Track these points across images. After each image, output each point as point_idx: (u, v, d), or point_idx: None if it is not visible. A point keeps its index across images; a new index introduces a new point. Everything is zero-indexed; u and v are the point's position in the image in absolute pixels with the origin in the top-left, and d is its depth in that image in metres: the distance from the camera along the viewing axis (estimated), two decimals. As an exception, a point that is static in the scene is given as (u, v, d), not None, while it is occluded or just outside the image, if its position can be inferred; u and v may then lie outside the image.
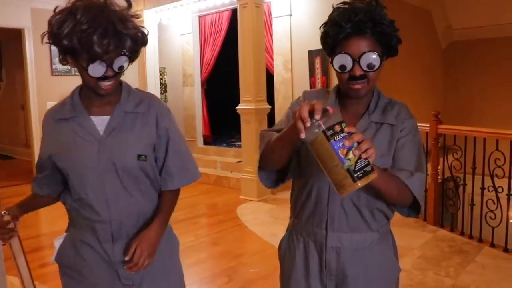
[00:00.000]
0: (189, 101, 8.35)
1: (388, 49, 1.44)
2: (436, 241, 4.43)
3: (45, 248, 4.46)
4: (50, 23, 1.45)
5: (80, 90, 1.62)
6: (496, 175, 4.24)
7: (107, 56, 1.41)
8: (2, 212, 1.59)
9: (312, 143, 1.17)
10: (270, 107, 6.22)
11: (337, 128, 1.14)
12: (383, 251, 1.57)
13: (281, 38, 6.69)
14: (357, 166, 1.14)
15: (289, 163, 1.55)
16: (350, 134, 1.15)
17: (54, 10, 1.45)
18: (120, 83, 1.61)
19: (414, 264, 3.83)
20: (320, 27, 1.49)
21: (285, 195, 5.58)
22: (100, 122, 1.56)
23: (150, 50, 7.64)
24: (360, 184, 1.14)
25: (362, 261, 1.52)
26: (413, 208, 1.55)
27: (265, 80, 6.19)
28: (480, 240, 4.34)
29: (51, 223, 5.10)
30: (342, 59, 1.38)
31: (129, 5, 1.52)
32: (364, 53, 1.36)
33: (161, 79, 8.10)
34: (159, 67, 8.07)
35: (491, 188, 4.27)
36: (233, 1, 6.45)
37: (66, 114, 1.58)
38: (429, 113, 5.02)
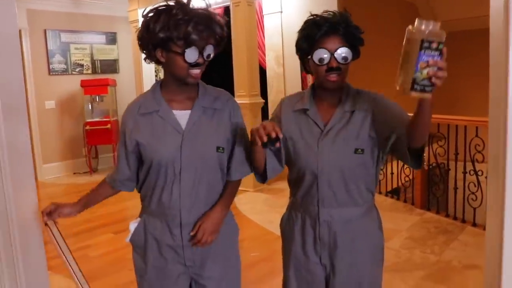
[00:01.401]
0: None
1: (354, 49, 1.73)
2: (423, 223, 4.73)
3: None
4: (144, 22, 1.65)
5: (161, 86, 1.78)
6: (477, 160, 4.55)
7: (201, 43, 1.61)
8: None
9: (410, 39, 1.28)
10: (263, 101, 6.47)
11: (434, 45, 1.26)
12: (368, 224, 1.85)
13: (273, 34, 6.93)
14: (422, 82, 1.28)
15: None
16: (440, 55, 1.27)
17: (143, 13, 1.67)
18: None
19: (402, 244, 4.13)
20: (299, 31, 1.77)
21: (280, 185, 5.88)
22: (181, 116, 1.73)
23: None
24: (412, 94, 1.29)
25: (350, 232, 1.80)
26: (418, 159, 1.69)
27: (258, 75, 6.45)
28: (463, 221, 4.65)
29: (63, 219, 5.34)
30: (321, 53, 1.68)
31: (208, 5, 1.71)
32: (338, 47, 1.67)
33: (156, 76, 8.31)
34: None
35: (472, 172, 4.59)
36: (226, 0, 6.69)
37: (149, 108, 1.74)
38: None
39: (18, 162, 2.01)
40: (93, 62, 8.52)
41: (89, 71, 8.46)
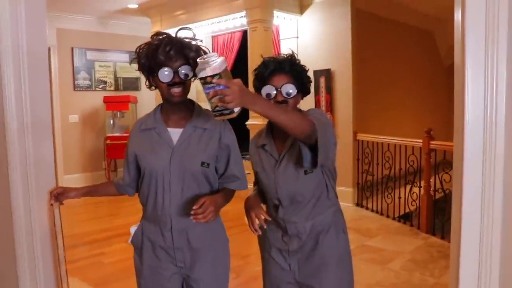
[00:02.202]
0: (202, 116, 8.78)
1: (302, 86, 1.95)
2: (426, 247, 4.83)
3: (72, 248, 4.92)
4: (135, 54, 1.92)
5: (161, 107, 2.02)
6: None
7: (171, 63, 1.82)
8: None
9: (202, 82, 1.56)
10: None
11: (208, 79, 1.51)
12: (333, 229, 2.03)
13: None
14: (217, 109, 1.55)
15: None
16: (217, 85, 1.49)
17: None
18: (193, 103, 2.01)
19: (403, 266, 4.25)
20: (253, 72, 1.99)
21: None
22: (174, 133, 1.95)
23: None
24: (217, 119, 1.60)
25: (317, 241, 1.99)
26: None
27: (273, 98, 6.66)
28: (466, 246, 4.74)
29: (74, 227, 5.59)
30: (268, 89, 1.89)
31: (193, 34, 1.94)
32: (283, 84, 1.88)
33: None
34: (175, 84, 8.53)
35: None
36: (244, 24, 6.95)
37: (149, 125, 1.99)
38: (437, 128, 5.43)
39: (42, 174, 2.25)
40: (116, 79, 8.85)
41: (112, 88, 8.79)
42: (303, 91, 1.99)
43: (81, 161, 8.52)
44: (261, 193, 2.13)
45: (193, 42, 1.91)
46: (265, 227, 1.93)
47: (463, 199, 1.57)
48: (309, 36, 6.94)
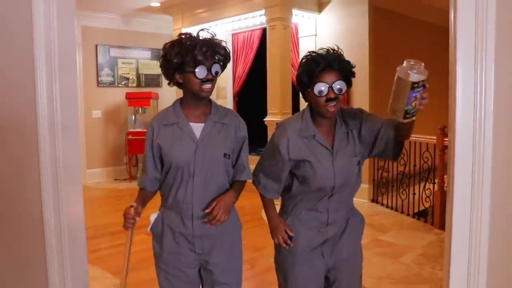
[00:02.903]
0: (222, 112, 8.92)
1: (347, 81, 2.03)
2: (439, 242, 4.90)
3: (94, 238, 5.12)
4: (163, 53, 2.06)
5: (181, 103, 2.15)
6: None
7: (208, 62, 1.99)
8: (134, 204, 2.09)
9: (402, 80, 1.63)
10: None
11: (420, 83, 1.61)
12: (358, 215, 2.26)
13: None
14: (411, 111, 1.66)
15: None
16: (424, 88, 1.64)
17: (162, 47, 2.08)
18: (210, 100, 2.16)
19: (414, 260, 4.34)
20: (298, 68, 2.06)
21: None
22: (196, 127, 2.10)
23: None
24: (404, 121, 1.70)
25: (349, 226, 2.18)
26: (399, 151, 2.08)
27: (290, 95, 6.80)
28: (478, 242, 4.81)
29: (96, 219, 5.80)
30: (321, 87, 1.95)
31: (215, 35, 2.10)
32: (335, 81, 1.96)
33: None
34: (195, 81, 8.71)
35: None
36: (263, 22, 7.07)
37: (171, 120, 2.11)
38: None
39: (70, 174, 2.42)
40: (138, 76, 9.07)
41: (134, 84, 9.01)
42: (349, 86, 2.07)
43: (103, 156, 8.77)
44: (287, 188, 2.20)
45: (223, 43, 2.08)
46: (291, 245, 2.12)
47: (454, 194, 1.69)
48: (327, 34, 7.04)
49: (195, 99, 2.11)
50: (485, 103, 1.64)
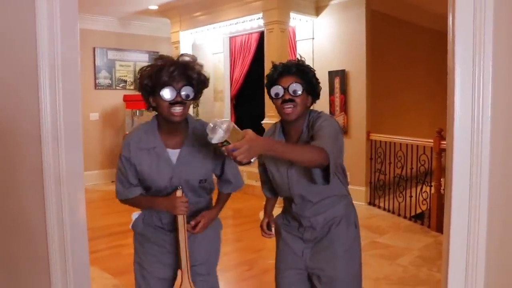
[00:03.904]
0: (219, 115, 8.94)
1: (310, 87, 2.08)
2: (436, 244, 4.94)
3: (92, 239, 5.13)
4: (138, 75, 2.05)
5: (158, 126, 2.11)
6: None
7: (176, 84, 1.94)
8: (180, 187, 2.08)
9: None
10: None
11: (219, 145, 1.68)
12: (344, 221, 2.19)
13: (305, 59, 7.29)
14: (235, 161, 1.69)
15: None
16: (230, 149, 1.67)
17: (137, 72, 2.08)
18: (187, 121, 2.11)
19: (411, 262, 4.38)
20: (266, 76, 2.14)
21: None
22: (173, 153, 2.09)
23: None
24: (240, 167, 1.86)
25: (329, 230, 2.16)
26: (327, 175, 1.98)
27: (288, 98, 6.81)
28: (474, 244, 4.84)
29: (94, 221, 5.81)
30: (277, 89, 2.04)
31: (195, 59, 2.07)
32: (290, 83, 2.02)
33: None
34: (193, 83, 8.74)
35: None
36: (261, 25, 7.09)
37: (148, 144, 2.08)
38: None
39: (73, 180, 2.44)
40: (136, 78, 9.06)
41: (132, 87, 9.02)
42: (312, 93, 2.11)
43: (100, 158, 8.77)
44: (272, 187, 2.32)
45: (197, 67, 2.04)
46: (270, 236, 2.35)
47: (452, 197, 1.72)
48: (325, 38, 7.08)
49: (169, 124, 2.06)
50: (482, 107, 1.67)
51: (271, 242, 5.30)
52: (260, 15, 6.84)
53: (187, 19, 8.07)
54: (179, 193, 2.06)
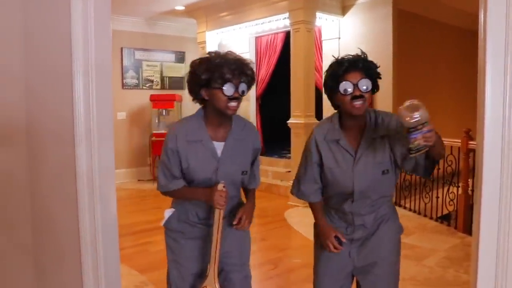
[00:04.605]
0: (245, 115, 8.95)
1: (375, 83, 2.06)
2: (463, 245, 4.88)
3: (120, 237, 5.21)
4: (190, 69, 2.13)
5: (205, 118, 2.18)
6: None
7: (235, 81, 2.04)
8: (222, 182, 2.11)
9: (400, 123, 1.75)
10: (318, 122, 6.81)
11: (419, 127, 1.67)
12: (392, 219, 2.23)
13: (330, 59, 7.24)
14: (416, 148, 1.71)
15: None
16: (426, 130, 1.69)
17: (190, 64, 2.16)
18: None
19: (438, 263, 4.34)
20: (325, 72, 2.11)
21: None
22: (218, 146, 2.17)
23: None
24: (411, 156, 1.77)
25: (379, 229, 2.18)
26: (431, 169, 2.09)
27: (314, 97, 6.82)
28: (502, 246, 4.77)
29: (122, 218, 5.89)
30: (346, 85, 1.99)
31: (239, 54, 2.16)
32: (360, 79, 1.99)
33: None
34: (218, 83, 8.81)
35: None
36: (287, 25, 7.11)
37: (196, 137, 2.15)
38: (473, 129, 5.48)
39: (105, 180, 2.50)
40: (162, 78, 9.20)
41: (158, 87, 9.14)
42: (375, 87, 2.09)
43: (128, 157, 8.90)
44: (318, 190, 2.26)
45: (250, 64, 2.14)
46: (342, 248, 2.17)
47: (482, 197, 1.71)
48: (351, 37, 7.05)
49: (219, 117, 2.16)
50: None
51: (296, 241, 5.34)
52: (286, 15, 6.86)
53: (213, 19, 8.13)
54: (220, 186, 2.10)
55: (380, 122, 2.11)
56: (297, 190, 2.29)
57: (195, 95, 2.16)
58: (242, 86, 2.08)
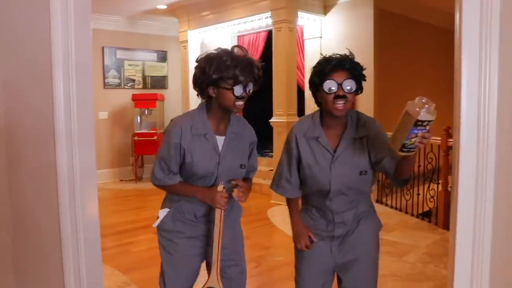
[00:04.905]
0: (227, 114, 8.98)
1: (360, 84, 2.08)
2: (442, 241, 4.95)
3: (102, 237, 5.19)
4: (199, 66, 2.13)
5: (207, 113, 2.20)
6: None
7: (245, 81, 2.07)
8: (221, 182, 2.15)
9: (409, 115, 1.64)
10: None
11: (425, 123, 1.62)
12: (371, 216, 2.27)
13: (312, 58, 7.30)
14: (409, 146, 1.67)
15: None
16: (428, 130, 1.65)
17: (197, 59, 2.18)
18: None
19: (419, 259, 4.40)
20: (311, 69, 2.12)
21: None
22: (219, 140, 2.21)
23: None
24: (400, 153, 1.71)
25: (359, 225, 2.21)
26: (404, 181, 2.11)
27: (296, 96, 6.86)
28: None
29: (104, 218, 5.86)
30: (330, 84, 2.00)
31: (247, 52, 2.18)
32: (345, 79, 2.00)
33: (202, 92, 8.83)
34: (201, 82, 8.80)
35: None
36: (269, 24, 7.13)
37: (200, 131, 2.16)
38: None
39: (86, 180, 2.50)
40: (144, 77, 9.15)
41: (140, 86, 9.09)
42: (359, 89, 2.10)
43: (110, 157, 8.84)
44: (298, 186, 2.27)
45: (259, 64, 2.18)
46: (311, 248, 2.22)
47: (458, 194, 1.75)
48: (332, 36, 7.10)
49: (223, 113, 2.20)
50: (489, 104, 1.70)
51: (279, 239, 5.36)
52: (268, 14, 6.88)
53: (195, 18, 8.12)
54: (220, 187, 2.13)
55: (362, 123, 2.13)
56: (275, 185, 2.31)
57: (201, 91, 2.18)
58: (250, 86, 2.12)
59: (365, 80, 2.11)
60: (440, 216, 5.47)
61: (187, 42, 8.33)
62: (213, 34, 8.35)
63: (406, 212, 6.09)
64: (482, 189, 1.75)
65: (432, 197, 5.74)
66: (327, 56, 2.08)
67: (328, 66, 2.02)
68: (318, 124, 2.16)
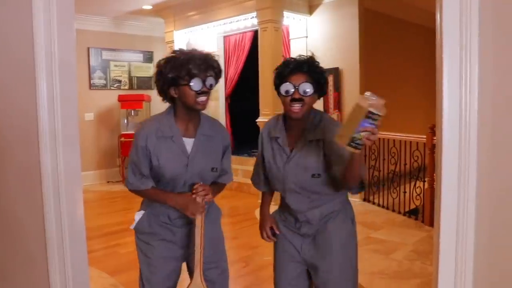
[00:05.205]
0: (214, 114, 8.91)
1: (319, 86, 2.08)
2: (429, 238, 4.98)
3: (89, 239, 5.17)
4: (157, 69, 2.13)
5: (175, 115, 2.18)
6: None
7: (202, 75, 2.06)
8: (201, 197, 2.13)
9: (360, 106, 1.63)
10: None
11: (375, 117, 1.61)
12: (340, 217, 2.24)
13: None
14: (357, 141, 1.66)
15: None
16: (376, 125, 1.64)
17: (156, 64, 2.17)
18: (198, 112, 2.20)
19: (406, 256, 4.44)
20: (274, 70, 2.14)
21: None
22: (188, 142, 2.18)
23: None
24: (347, 148, 1.69)
25: (326, 225, 2.20)
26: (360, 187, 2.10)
27: (282, 96, 6.85)
28: (467, 239, 4.90)
29: (90, 220, 5.84)
30: (287, 86, 2.02)
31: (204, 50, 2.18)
32: (302, 82, 2.01)
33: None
34: (187, 82, 8.77)
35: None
36: (255, 24, 7.13)
37: (166, 133, 2.15)
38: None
39: (71, 182, 2.48)
40: (130, 78, 9.12)
41: (126, 87, 9.06)
42: (319, 92, 2.10)
43: (96, 158, 8.80)
44: (268, 182, 2.33)
45: (215, 57, 2.17)
46: (275, 239, 2.31)
47: (442, 191, 1.77)
48: (318, 36, 7.13)
49: (189, 113, 2.18)
50: (470, 101, 1.72)
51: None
52: (254, 14, 6.89)
53: (181, 19, 8.10)
54: (199, 199, 2.13)
55: (322, 126, 2.13)
56: (252, 178, 2.45)
57: (165, 95, 2.17)
58: (210, 80, 2.10)
59: (326, 83, 2.13)
60: (427, 213, 5.51)
61: (173, 42, 8.29)
62: (199, 34, 8.33)
63: (393, 210, 6.13)
64: (465, 187, 1.76)
65: (419, 194, 5.79)
66: (288, 58, 2.13)
67: (286, 69, 2.06)
68: (281, 124, 2.20)
